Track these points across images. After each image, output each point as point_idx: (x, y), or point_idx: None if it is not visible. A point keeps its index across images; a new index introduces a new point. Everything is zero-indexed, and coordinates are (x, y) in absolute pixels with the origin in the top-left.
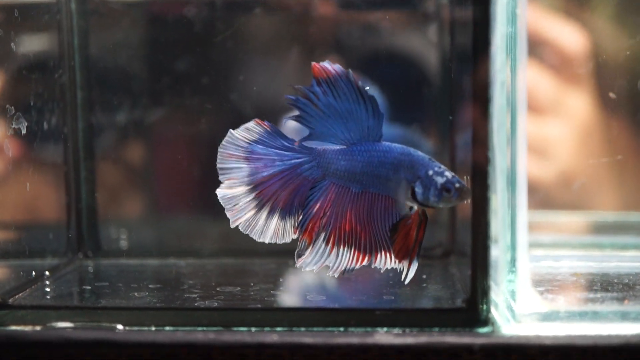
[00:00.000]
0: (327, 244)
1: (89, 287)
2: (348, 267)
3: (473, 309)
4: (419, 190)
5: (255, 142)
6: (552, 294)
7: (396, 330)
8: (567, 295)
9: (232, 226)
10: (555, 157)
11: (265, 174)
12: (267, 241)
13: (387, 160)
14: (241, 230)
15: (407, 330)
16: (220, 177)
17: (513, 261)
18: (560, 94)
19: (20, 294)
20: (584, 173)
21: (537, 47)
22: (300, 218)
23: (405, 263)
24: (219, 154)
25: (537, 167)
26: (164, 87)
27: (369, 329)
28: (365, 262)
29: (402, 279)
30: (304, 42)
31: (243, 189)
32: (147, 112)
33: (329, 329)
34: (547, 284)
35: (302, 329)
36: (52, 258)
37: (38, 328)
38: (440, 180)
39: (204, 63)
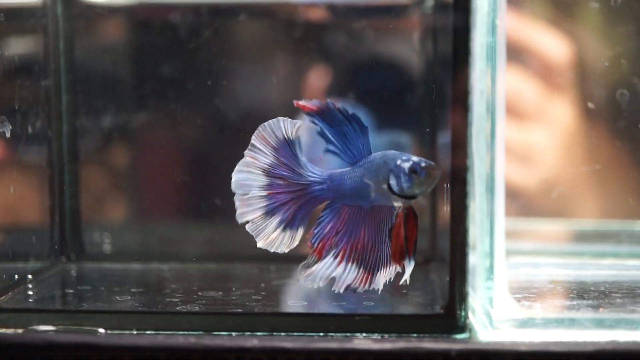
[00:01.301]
0: (334, 258)
1: (72, 291)
2: (353, 285)
3: (451, 315)
4: (392, 182)
5: (290, 142)
6: (529, 301)
7: (375, 336)
8: (544, 302)
9: (238, 220)
10: (538, 164)
11: (284, 173)
12: (263, 247)
13: (372, 167)
14: (247, 229)
15: (386, 335)
16: (246, 152)
17: (491, 268)
18: (543, 102)
19: (3, 297)
20: (566, 181)
21: (521, 55)
22: (312, 236)
23: (404, 264)
24: (256, 131)
25: (519, 173)
26: (148, 91)
27: (348, 335)
28: (369, 284)
29: (400, 281)
30: (288, 48)
31: (259, 178)
32: (132, 116)
33: (309, 334)
34: (524, 291)
35: (282, 333)
36: (35, 261)
37: (20, 331)
38: (407, 165)
39: (189, 68)
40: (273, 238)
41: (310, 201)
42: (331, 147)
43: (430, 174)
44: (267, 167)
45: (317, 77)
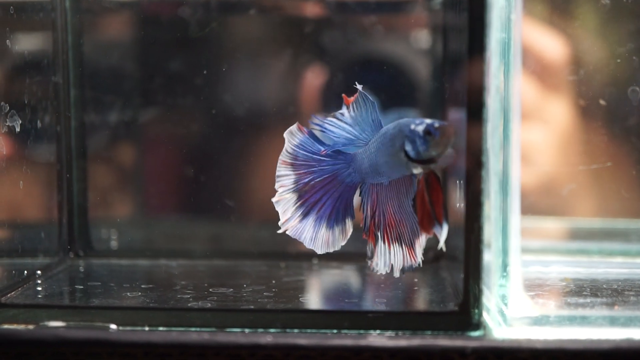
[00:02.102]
0: (383, 242)
1: (82, 287)
2: (406, 265)
3: (465, 312)
4: (408, 147)
5: (297, 146)
6: (542, 298)
7: (389, 333)
8: (557, 300)
9: (280, 231)
10: (538, 163)
11: (306, 179)
12: (319, 251)
13: (387, 138)
14: (291, 236)
15: (400, 333)
16: (276, 185)
17: (505, 266)
18: (541, 101)
19: (13, 293)
20: (568, 179)
21: (526, 54)
22: (362, 223)
23: (437, 230)
24: (278, 162)
25: (526, 172)
26: (156, 86)
27: (362, 332)
28: (415, 258)
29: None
30: (295, 44)
31: (290, 195)
32: (140, 112)
33: (323, 330)
34: (537, 288)
35: (296, 330)
36: (43, 257)
37: (31, 327)
38: (420, 127)
39: (197, 63)
40: (319, 239)
41: (345, 190)
42: (348, 136)
43: (445, 133)
44: (292, 184)
45: (321, 75)
